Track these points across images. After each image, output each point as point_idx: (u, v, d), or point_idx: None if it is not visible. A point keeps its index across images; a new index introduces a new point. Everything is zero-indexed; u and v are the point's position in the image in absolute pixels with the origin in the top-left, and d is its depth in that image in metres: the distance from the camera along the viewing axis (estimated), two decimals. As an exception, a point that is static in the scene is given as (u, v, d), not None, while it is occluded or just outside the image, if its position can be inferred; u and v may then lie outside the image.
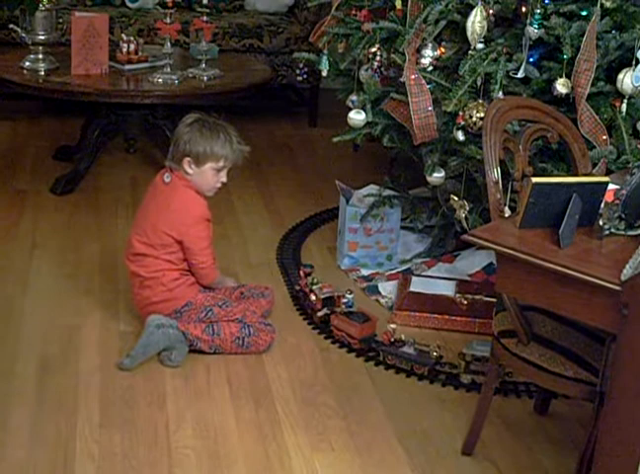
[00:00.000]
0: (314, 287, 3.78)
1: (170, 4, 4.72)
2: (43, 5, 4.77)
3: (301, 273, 3.93)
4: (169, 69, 4.84)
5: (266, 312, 3.70)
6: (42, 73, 4.83)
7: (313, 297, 3.76)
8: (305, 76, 4.45)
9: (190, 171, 3.52)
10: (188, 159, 3.51)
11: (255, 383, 3.37)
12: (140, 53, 4.97)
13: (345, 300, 3.71)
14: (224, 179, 3.61)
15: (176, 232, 3.49)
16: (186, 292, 3.53)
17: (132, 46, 4.94)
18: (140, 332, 3.46)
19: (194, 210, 3.54)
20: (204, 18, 4.88)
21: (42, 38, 4.84)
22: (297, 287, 3.96)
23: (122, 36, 5.10)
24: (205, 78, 4.90)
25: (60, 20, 5.33)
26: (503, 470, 2.99)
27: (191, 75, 4.91)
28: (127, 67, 4.91)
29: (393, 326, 3.65)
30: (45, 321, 3.66)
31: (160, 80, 4.78)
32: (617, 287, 2.30)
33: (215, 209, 4.73)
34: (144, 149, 5.38)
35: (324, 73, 4.13)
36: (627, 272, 2.28)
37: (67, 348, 3.50)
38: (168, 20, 4.79)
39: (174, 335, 3.43)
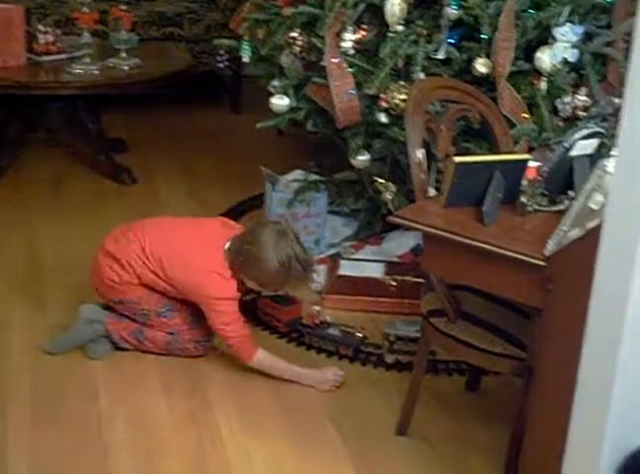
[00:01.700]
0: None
1: (87, -7, 4.66)
2: (-44, -3, 4.69)
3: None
4: (88, 60, 4.79)
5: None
6: (-42, 67, 4.75)
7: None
8: (226, 63, 4.44)
9: (246, 282, 3.33)
10: (246, 278, 3.31)
11: (186, 373, 3.35)
12: (58, 44, 4.90)
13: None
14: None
15: (187, 291, 3.31)
16: (142, 292, 3.39)
17: (50, 37, 4.88)
18: (68, 324, 3.43)
19: (221, 291, 3.27)
20: (123, 7, 4.83)
21: (-43, 31, 4.75)
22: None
23: (39, 26, 5.01)
24: (126, 68, 4.85)
25: (-25, 12, 5.22)
26: (437, 448, 3.02)
27: (111, 65, 4.85)
28: (45, 59, 4.84)
29: (318, 308, 3.66)
30: (-29, 319, 3.61)
31: (80, 71, 4.72)
32: (541, 263, 2.33)
33: (143, 199, 4.74)
34: (66, 142, 5.29)
35: (245, 59, 4.12)
36: (551, 247, 2.31)
37: (-6, 345, 3.45)
38: (86, 10, 4.74)
39: (101, 331, 3.40)
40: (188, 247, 3.32)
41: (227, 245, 3.30)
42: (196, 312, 3.39)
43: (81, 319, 3.41)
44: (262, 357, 3.27)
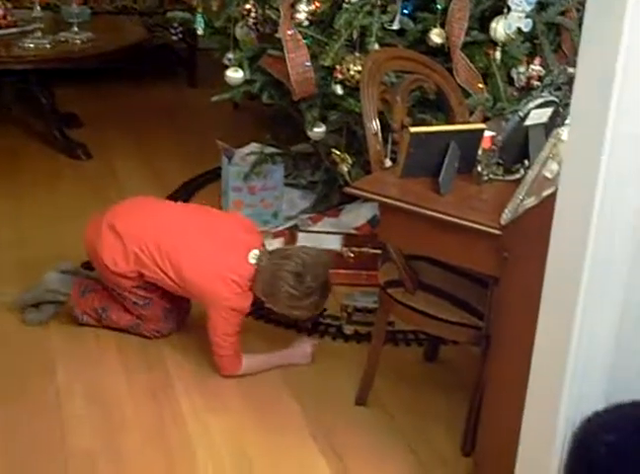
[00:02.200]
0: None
1: (37, -34, 4.60)
2: None
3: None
4: (40, 34, 4.72)
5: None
6: None
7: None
8: (181, 36, 4.41)
9: (262, 298, 3.18)
10: (269, 303, 3.19)
11: (145, 349, 3.33)
12: (9, 18, 4.83)
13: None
14: None
15: (200, 294, 3.16)
16: (128, 283, 3.27)
17: (0, 11, 4.80)
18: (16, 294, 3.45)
19: (238, 302, 3.12)
20: (74, -21, 4.77)
21: None
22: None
23: (-11, 0, 4.95)
24: (78, 42, 4.79)
25: None
26: (396, 417, 3.03)
27: (63, 39, 4.79)
28: (-4, 33, 4.77)
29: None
30: None
31: (31, 45, 4.66)
32: (497, 232, 2.34)
33: (98, 175, 4.70)
34: (20, 117, 5.23)
35: (199, 32, 4.08)
36: (506, 216, 2.32)
37: (-51, 323, 3.42)
38: (36, -18, 4.68)
39: (61, 299, 3.39)
40: (211, 251, 3.14)
41: (253, 259, 3.13)
42: (170, 307, 3.35)
43: (44, 286, 3.39)
44: (245, 364, 3.18)
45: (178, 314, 3.40)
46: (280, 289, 3.08)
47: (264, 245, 3.26)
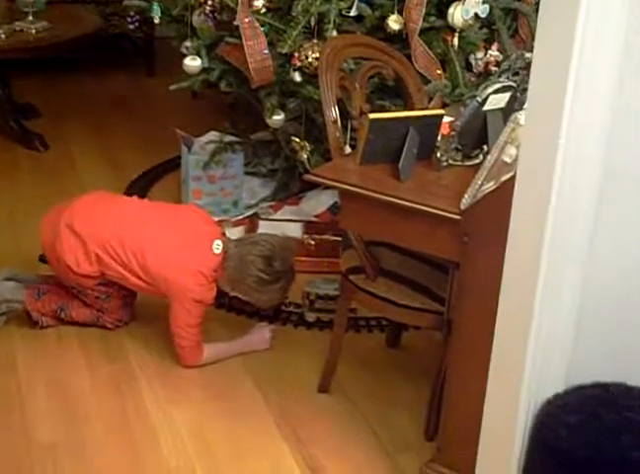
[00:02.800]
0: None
1: (-10, -46, 4.55)
2: None
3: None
4: (-6, 23, 4.67)
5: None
6: None
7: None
8: (137, 24, 4.38)
9: (230, 292, 3.23)
10: (237, 290, 3.21)
11: (106, 342, 3.32)
12: (-38, 8, 4.78)
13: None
14: None
15: (164, 285, 3.13)
16: (90, 283, 3.26)
17: (-47, 1, 4.75)
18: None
19: (202, 294, 3.13)
20: (28, -32, 4.72)
21: None
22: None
23: (-58, -10, 4.89)
24: (34, 31, 4.75)
25: None
26: (359, 404, 3.04)
27: (18, 28, 4.74)
28: (-51, 23, 4.71)
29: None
30: None
31: (-15, 35, 4.61)
32: (457, 217, 2.35)
33: (56, 166, 4.66)
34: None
35: (156, 20, 4.04)
36: (466, 201, 2.33)
37: None
38: (-11, -29, 4.63)
39: (18, 309, 3.33)
40: (175, 244, 3.15)
41: (217, 249, 3.14)
42: (127, 295, 3.34)
43: None
44: (205, 356, 3.18)
45: (133, 299, 3.39)
46: (250, 274, 3.11)
47: (224, 234, 3.28)
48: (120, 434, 2.87)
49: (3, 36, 4.62)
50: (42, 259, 3.41)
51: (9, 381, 3.08)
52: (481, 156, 2.63)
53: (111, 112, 5.43)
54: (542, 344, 2.08)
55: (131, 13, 4.27)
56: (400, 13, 3.49)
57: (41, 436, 2.84)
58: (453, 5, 3.51)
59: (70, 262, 3.18)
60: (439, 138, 2.64)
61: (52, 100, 5.51)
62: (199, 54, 3.84)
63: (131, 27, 4.33)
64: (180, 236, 3.19)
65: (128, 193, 4.33)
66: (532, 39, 3.55)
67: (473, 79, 3.58)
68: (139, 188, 4.43)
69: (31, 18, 4.77)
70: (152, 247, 3.13)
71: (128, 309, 3.38)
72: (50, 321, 3.36)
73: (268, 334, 3.32)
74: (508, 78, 2.66)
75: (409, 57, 3.36)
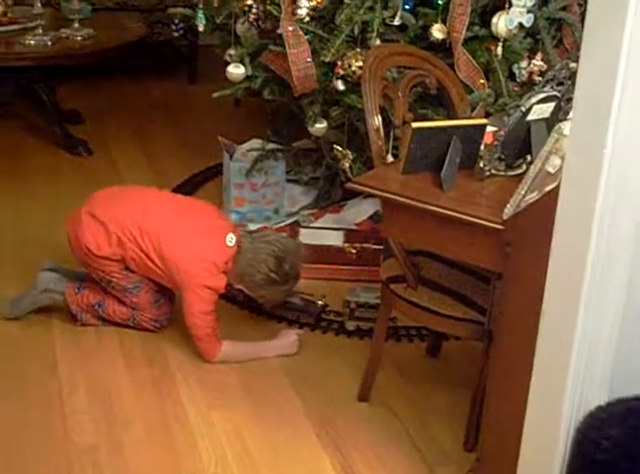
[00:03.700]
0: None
1: (38, -37, 4.60)
2: None
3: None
4: (41, 30, 4.72)
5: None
6: None
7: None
8: (182, 32, 4.41)
9: (236, 284, 3.29)
10: (243, 284, 3.28)
11: (147, 343, 3.34)
12: (10, 15, 4.83)
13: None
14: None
15: (177, 272, 3.20)
16: (115, 267, 3.31)
17: (1, 8, 4.81)
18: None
19: (212, 281, 3.20)
20: (75, -24, 4.76)
21: None
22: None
23: (-10, -3, 4.94)
24: (79, 38, 4.79)
25: None
26: (399, 413, 3.03)
27: (64, 36, 4.79)
28: (-3, 30, 4.77)
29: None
30: None
31: (32, 42, 4.67)
32: (500, 227, 2.34)
33: (99, 171, 4.70)
34: (21, 114, 5.24)
35: (200, 28, 4.07)
36: (508, 211, 2.32)
37: (-49, 320, 3.42)
38: (37, -21, 4.68)
39: (59, 301, 3.40)
40: (191, 232, 3.24)
41: (230, 242, 3.23)
42: (160, 292, 3.37)
43: (38, 287, 3.39)
44: (225, 349, 3.22)
45: (169, 300, 3.41)
46: (260, 271, 3.20)
47: (237, 227, 3.40)
48: (160, 437, 2.88)
49: (49, 42, 4.67)
50: None
51: (50, 382, 3.11)
52: (524, 166, 2.62)
53: (153, 118, 5.47)
54: (585, 355, 2.06)
55: (176, 21, 4.30)
56: (444, 22, 3.49)
57: (81, 438, 2.86)
58: (497, 14, 3.49)
59: (91, 245, 3.25)
60: (481, 148, 2.64)
61: (96, 106, 5.56)
62: (242, 62, 3.85)
63: (176, 34, 4.37)
64: (196, 225, 3.29)
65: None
66: (577, 48, 3.54)
67: (516, 89, 3.57)
68: (182, 194, 4.43)
69: (76, 25, 4.82)
70: (168, 233, 3.22)
71: (163, 309, 3.39)
72: (90, 319, 3.40)
73: (294, 337, 3.34)
74: (552, 88, 2.64)
75: (452, 66, 3.35)
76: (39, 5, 4.70)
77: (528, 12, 3.49)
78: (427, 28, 3.53)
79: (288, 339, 3.34)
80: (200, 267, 3.18)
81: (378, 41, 3.51)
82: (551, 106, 2.60)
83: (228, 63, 3.90)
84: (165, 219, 3.28)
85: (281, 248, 3.22)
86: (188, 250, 3.20)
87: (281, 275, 3.21)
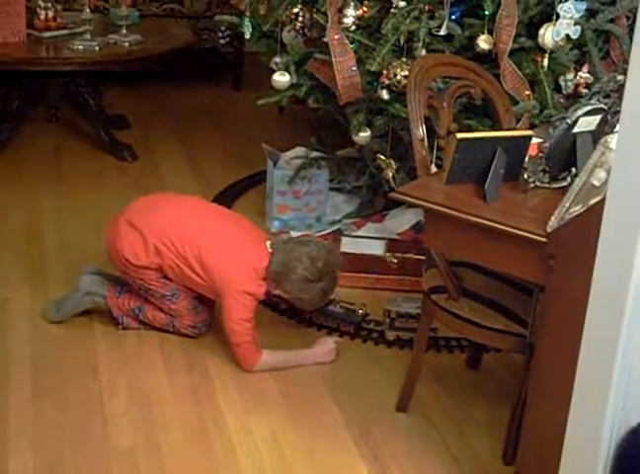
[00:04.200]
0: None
1: (88, -31, 4.65)
2: (-44, -27, 4.66)
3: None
4: (89, 36, 4.77)
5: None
6: (-42, 42, 4.73)
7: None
8: (228, 39, 4.45)
9: (273, 290, 3.28)
10: (280, 287, 3.26)
11: (187, 348, 3.35)
12: (59, 20, 4.88)
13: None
14: None
15: (217, 278, 3.21)
16: (152, 276, 3.32)
17: (50, 13, 4.86)
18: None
19: (252, 287, 3.21)
20: (123, -17, 4.81)
21: (-43, 6, 4.72)
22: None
23: (40, 2, 4.97)
24: (126, 44, 4.83)
25: (-26, -12, 5.21)
26: (437, 424, 3.02)
27: (111, 41, 4.83)
28: (46, 34, 4.82)
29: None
30: (-28, 295, 3.61)
31: (80, 47, 4.71)
32: (543, 239, 2.32)
33: (143, 176, 4.73)
34: (67, 118, 5.29)
35: (247, 36, 4.10)
36: (552, 223, 2.30)
37: (-5, 321, 3.45)
38: (86, -15, 4.73)
39: (101, 304, 3.42)
40: (231, 238, 3.28)
41: (270, 248, 3.24)
42: (198, 298, 3.38)
43: (81, 290, 3.42)
44: (265, 358, 3.22)
45: (208, 307, 3.42)
46: (295, 270, 3.18)
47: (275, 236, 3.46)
48: (198, 443, 2.89)
49: (97, 48, 4.71)
50: None
51: (91, 384, 3.13)
52: (569, 179, 2.61)
53: (198, 125, 5.49)
54: (628, 371, 2.04)
55: (222, 28, 4.34)
56: (490, 33, 3.48)
57: (120, 441, 2.88)
58: (544, 26, 3.48)
59: (129, 255, 3.27)
60: (526, 159, 2.62)
61: (141, 111, 5.61)
62: (287, 70, 3.87)
63: (222, 41, 4.41)
64: (235, 232, 3.32)
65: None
66: (624, 61, 3.52)
67: (562, 101, 3.54)
68: (224, 200, 4.46)
69: (124, 31, 4.86)
70: (208, 241, 3.24)
71: (202, 316, 3.40)
72: (132, 322, 3.42)
73: (333, 345, 3.34)
74: (598, 100, 2.63)
75: (498, 77, 3.34)
76: (87, 11, 4.75)
77: (576, 24, 3.47)
78: (473, 38, 3.52)
79: (326, 347, 3.34)
80: (239, 272, 3.20)
81: (424, 51, 3.51)
82: (597, 118, 2.59)
83: (274, 71, 3.92)
84: (205, 227, 3.30)
85: (315, 248, 3.22)
86: (228, 256, 3.22)
87: (315, 272, 3.19)
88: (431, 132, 2.90)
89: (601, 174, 2.21)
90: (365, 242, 4.01)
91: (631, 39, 1.88)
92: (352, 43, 3.64)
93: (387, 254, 3.89)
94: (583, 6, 3.47)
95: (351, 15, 3.66)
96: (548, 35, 3.46)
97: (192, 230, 3.26)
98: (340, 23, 3.65)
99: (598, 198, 2.18)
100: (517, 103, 3.43)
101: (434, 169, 2.85)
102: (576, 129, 2.57)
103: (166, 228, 3.26)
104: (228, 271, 3.20)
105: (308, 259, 3.19)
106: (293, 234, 4.08)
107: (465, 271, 2.87)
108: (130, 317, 3.41)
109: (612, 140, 2.17)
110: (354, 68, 3.63)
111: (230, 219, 3.44)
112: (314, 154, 4.20)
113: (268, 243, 3.27)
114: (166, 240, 3.24)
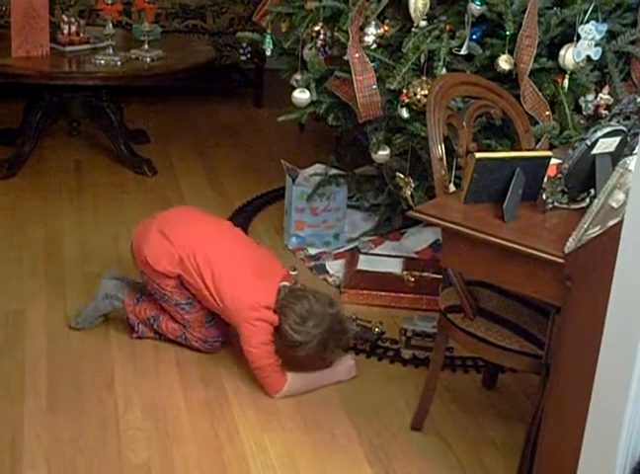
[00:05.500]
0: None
1: (111, -15, 4.68)
2: (-19, -13, 4.71)
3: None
4: (111, 50, 4.80)
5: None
6: (-18, 56, 4.77)
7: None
8: (249, 56, 4.46)
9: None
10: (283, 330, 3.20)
11: (203, 363, 3.36)
12: (82, 35, 4.91)
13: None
14: None
15: (230, 302, 3.22)
16: (171, 282, 3.34)
17: (74, 28, 4.89)
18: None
19: (262, 314, 3.19)
20: (147, -2, 4.84)
21: (-19, 20, 4.78)
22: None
23: (63, 17, 5.02)
24: (148, 59, 4.86)
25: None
26: (452, 444, 3.01)
27: (133, 56, 4.86)
28: (69, 49, 4.85)
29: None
30: (-10, 306, 3.63)
31: (102, 61, 4.74)
32: (561, 260, 2.32)
33: (162, 191, 4.75)
34: (88, 132, 5.32)
35: (268, 53, 4.12)
36: (570, 244, 2.30)
37: (13, 332, 3.46)
38: (109, 0, 4.75)
39: (118, 307, 3.45)
40: (252, 270, 3.27)
41: (281, 293, 3.22)
42: (213, 313, 3.37)
43: (100, 294, 3.46)
44: (290, 381, 3.20)
45: (222, 323, 3.40)
46: (283, 326, 3.17)
47: (289, 276, 3.37)
48: (212, 459, 2.90)
49: (119, 63, 4.74)
50: None
51: (107, 397, 3.14)
52: (588, 200, 2.60)
53: (218, 140, 5.51)
54: (643, 394, 2.03)
55: (244, 44, 4.35)
56: (511, 53, 3.48)
57: (135, 455, 2.88)
58: (565, 47, 3.48)
59: (150, 257, 3.29)
60: (545, 180, 2.62)
61: (162, 126, 5.63)
62: (308, 87, 3.88)
63: (243, 58, 4.42)
64: (257, 265, 3.30)
65: (231, 221, 4.38)
66: (645, 83, 3.52)
67: (582, 122, 3.54)
68: (243, 216, 4.48)
69: (146, 46, 4.88)
70: (230, 269, 3.25)
71: (214, 331, 3.39)
72: (147, 331, 3.44)
73: (352, 361, 3.34)
74: (618, 122, 2.63)
75: (518, 98, 3.34)
76: (110, 26, 4.78)
77: (597, 45, 3.48)
78: (493, 58, 3.53)
79: (346, 364, 3.33)
80: (250, 306, 3.18)
81: (444, 71, 3.51)
82: (617, 140, 2.58)
83: (294, 88, 3.93)
84: (231, 255, 3.31)
85: (307, 307, 3.16)
86: (243, 288, 3.21)
87: (303, 333, 3.15)
88: (450, 151, 2.90)
89: (620, 195, 2.21)
90: (383, 260, 4.01)
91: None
92: (372, 62, 3.65)
93: (404, 272, 3.89)
94: (604, 27, 3.47)
95: (372, 33, 3.68)
96: (569, 55, 3.47)
97: (219, 255, 3.27)
98: (361, 41, 3.66)
99: (616, 220, 2.17)
100: (536, 123, 3.43)
101: (452, 188, 2.85)
102: (595, 151, 2.57)
103: (196, 246, 3.27)
104: (240, 303, 3.20)
105: (298, 318, 3.15)
106: (311, 251, 4.10)
107: (482, 290, 2.86)
108: (147, 326, 3.43)
109: (631, 162, 2.17)
110: (374, 86, 3.64)
111: (254, 250, 3.41)
112: (333, 171, 4.21)
113: (282, 284, 3.24)
114: (191, 257, 3.25)
